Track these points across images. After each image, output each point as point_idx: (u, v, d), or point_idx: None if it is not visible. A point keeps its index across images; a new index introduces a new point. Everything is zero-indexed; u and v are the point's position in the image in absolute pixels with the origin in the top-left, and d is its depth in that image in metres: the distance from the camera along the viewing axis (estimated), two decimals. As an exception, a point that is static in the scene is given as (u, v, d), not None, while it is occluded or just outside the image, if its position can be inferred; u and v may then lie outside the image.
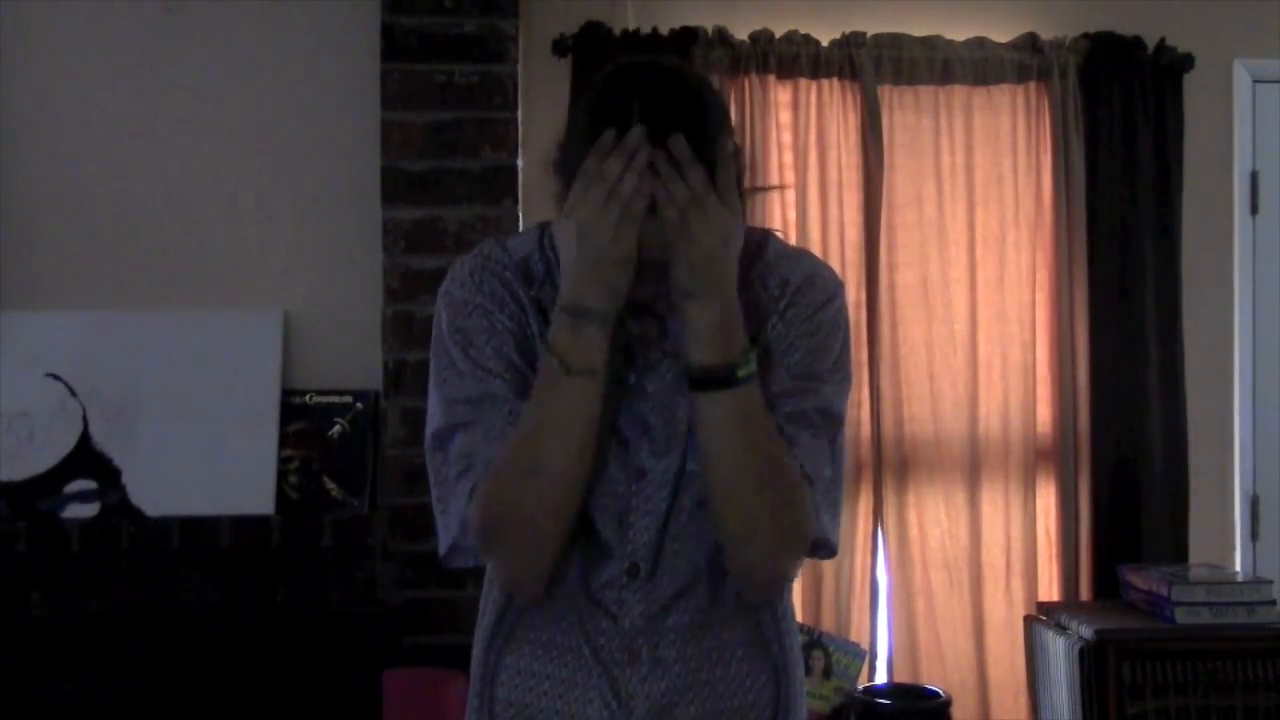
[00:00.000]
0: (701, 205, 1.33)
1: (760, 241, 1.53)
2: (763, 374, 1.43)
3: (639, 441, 1.48)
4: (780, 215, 3.34)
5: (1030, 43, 3.39)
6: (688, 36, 3.28)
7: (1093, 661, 2.95)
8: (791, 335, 1.48)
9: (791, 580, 1.52)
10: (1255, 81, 3.53)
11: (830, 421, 1.48)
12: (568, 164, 1.38)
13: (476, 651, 1.55)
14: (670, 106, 1.34)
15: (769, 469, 1.40)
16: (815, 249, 3.32)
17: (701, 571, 1.48)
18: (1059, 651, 3.06)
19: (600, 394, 1.39)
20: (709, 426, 1.39)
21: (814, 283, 1.51)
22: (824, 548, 1.47)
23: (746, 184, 1.47)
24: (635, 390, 1.48)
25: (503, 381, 1.45)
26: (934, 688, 3.13)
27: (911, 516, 3.36)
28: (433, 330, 1.51)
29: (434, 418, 1.48)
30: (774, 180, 3.33)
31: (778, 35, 3.33)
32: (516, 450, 1.39)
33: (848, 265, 3.33)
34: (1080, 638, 3.00)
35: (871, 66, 3.34)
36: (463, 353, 1.46)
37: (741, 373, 1.37)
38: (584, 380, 1.37)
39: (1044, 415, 3.40)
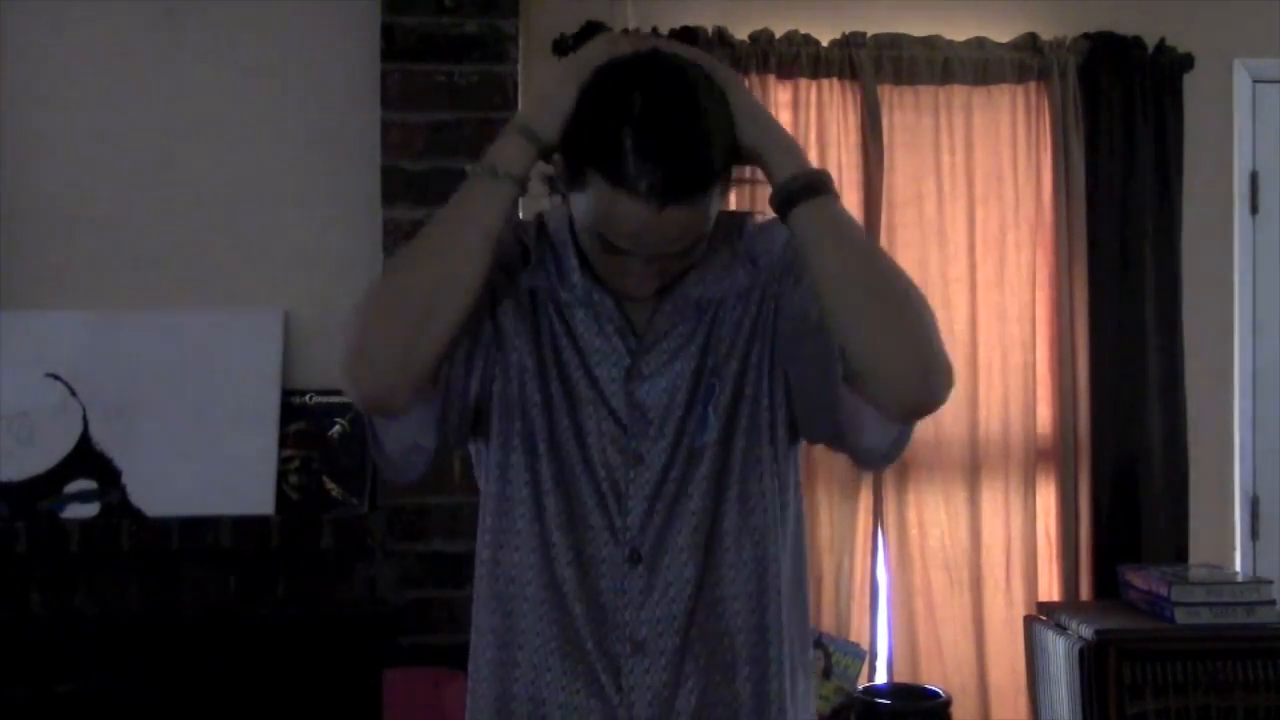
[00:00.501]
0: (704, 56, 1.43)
1: (739, 222, 1.55)
2: (805, 335, 1.44)
3: (636, 425, 1.49)
4: (780, 215, 3.34)
5: (1030, 43, 3.39)
6: (688, 36, 3.28)
7: (1093, 661, 2.95)
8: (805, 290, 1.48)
9: (939, 401, 1.42)
10: (1255, 81, 3.53)
11: None
12: (568, 147, 1.40)
13: (473, 644, 1.55)
14: (669, 110, 1.34)
15: (884, 270, 1.42)
16: (815, 249, 3.32)
17: (700, 556, 1.48)
18: (1059, 651, 3.06)
19: (507, 206, 1.41)
20: (815, 239, 1.39)
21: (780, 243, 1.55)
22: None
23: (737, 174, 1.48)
24: (633, 372, 1.49)
25: None
26: (934, 688, 3.13)
27: (911, 516, 3.36)
28: None
29: None
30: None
31: (778, 35, 3.33)
32: (415, 241, 1.45)
33: (848, 265, 3.33)
34: (1080, 638, 3.00)
35: (871, 66, 3.34)
36: None
37: (830, 181, 1.41)
38: (490, 181, 1.40)
39: (1044, 415, 3.40)
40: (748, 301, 1.51)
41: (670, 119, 1.33)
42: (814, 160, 3.28)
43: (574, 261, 1.49)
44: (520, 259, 1.51)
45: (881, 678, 3.30)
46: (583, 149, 1.36)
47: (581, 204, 1.40)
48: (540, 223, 1.55)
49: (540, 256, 1.51)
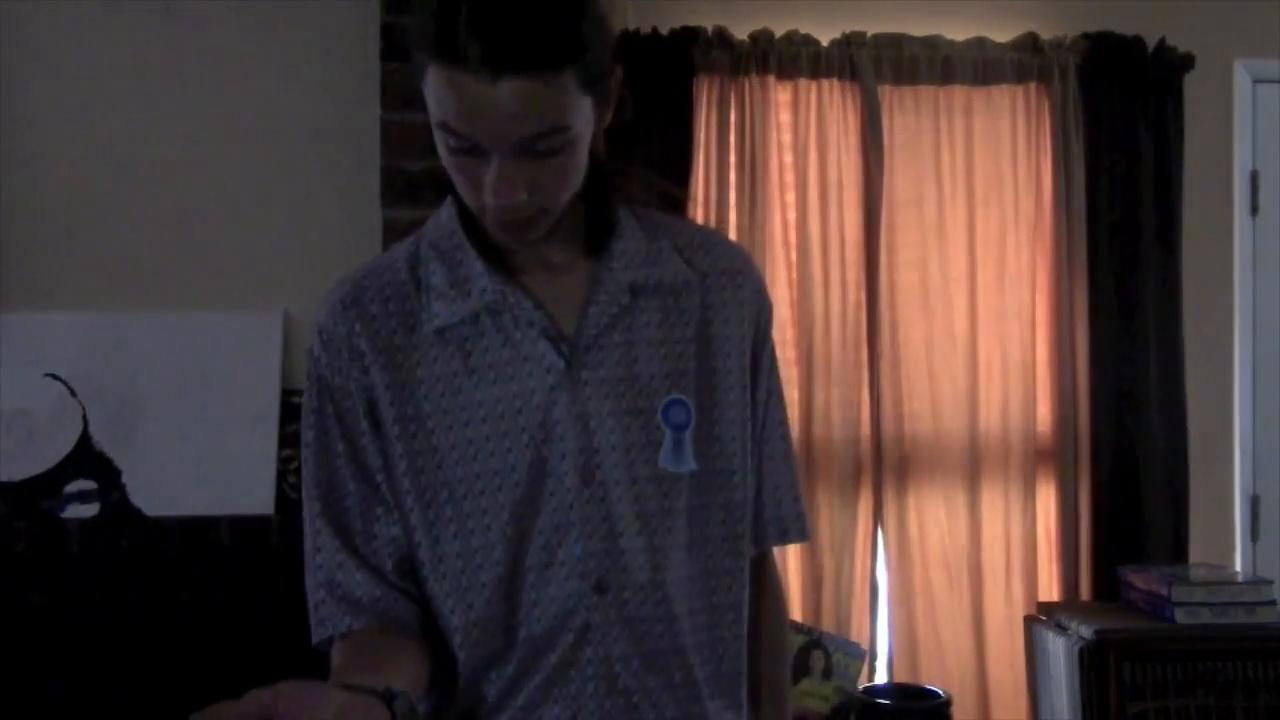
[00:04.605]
0: None
1: (659, 218, 1.40)
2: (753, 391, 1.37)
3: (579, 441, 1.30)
4: (780, 215, 3.34)
5: (1030, 43, 3.39)
6: (688, 37, 3.28)
7: (1093, 661, 2.95)
8: (766, 347, 1.42)
9: None
10: (1255, 81, 3.53)
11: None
12: (412, 46, 1.27)
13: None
14: (507, 19, 1.15)
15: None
16: (815, 249, 3.33)
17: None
18: (1059, 651, 3.06)
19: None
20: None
21: (753, 269, 1.43)
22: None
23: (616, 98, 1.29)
24: (572, 379, 1.30)
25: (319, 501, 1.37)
26: (934, 688, 3.13)
27: (911, 516, 3.36)
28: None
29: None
30: (774, 184, 3.33)
31: (778, 35, 3.33)
32: None
33: (848, 265, 3.33)
34: (1080, 638, 3.00)
35: (871, 66, 3.34)
36: (315, 431, 1.37)
37: None
38: None
39: (1044, 415, 3.40)
40: (691, 302, 1.35)
41: (504, 38, 1.15)
42: (814, 160, 3.34)
43: (478, 265, 1.32)
44: (415, 295, 1.35)
45: (881, 678, 3.30)
46: (419, 38, 1.23)
47: (429, 103, 1.24)
48: (419, 245, 1.39)
49: (429, 283, 1.35)
